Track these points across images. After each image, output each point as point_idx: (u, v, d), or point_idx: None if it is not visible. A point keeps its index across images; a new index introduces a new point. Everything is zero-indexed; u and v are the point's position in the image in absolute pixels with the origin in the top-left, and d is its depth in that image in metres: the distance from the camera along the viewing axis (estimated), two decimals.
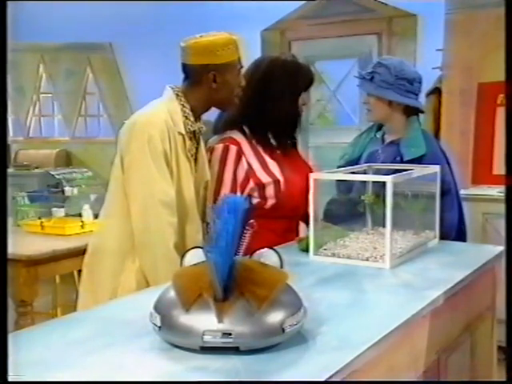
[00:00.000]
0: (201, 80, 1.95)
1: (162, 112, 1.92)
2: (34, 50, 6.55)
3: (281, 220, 2.16)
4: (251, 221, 1.21)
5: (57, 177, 3.45)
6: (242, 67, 2.01)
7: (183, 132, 1.94)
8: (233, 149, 2.13)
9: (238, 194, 2.10)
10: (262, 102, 2.15)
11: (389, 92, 2.32)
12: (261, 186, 2.13)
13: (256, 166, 2.14)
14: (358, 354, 1.15)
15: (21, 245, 2.79)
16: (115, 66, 6.33)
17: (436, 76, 4.25)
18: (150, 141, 1.85)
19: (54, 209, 3.32)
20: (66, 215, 3.32)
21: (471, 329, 1.90)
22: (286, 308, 1.16)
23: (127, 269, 1.89)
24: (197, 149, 2.04)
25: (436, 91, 4.22)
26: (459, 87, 4.13)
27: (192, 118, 1.98)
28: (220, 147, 2.14)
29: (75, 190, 3.38)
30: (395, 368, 1.38)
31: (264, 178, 2.13)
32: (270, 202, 2.13)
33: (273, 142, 2.20)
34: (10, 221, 3.08)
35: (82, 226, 3.19)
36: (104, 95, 6.52)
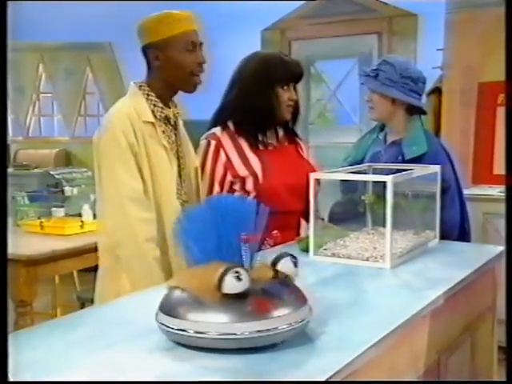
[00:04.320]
0: (149, 62, 1.97)
1: (123, 107, 1.94)
2: (33, 50, 6.55)
3: (274, 216, 2.17)
4: (275, 231, 1.22)
5: (56, 177, 3.45)
6: (196, 43, 1.95)
7: (152, 120, 1.94)
8: (212, 143, 2.21)
9: (217, 187, 2.19)
10: (238, 96, 2.22)
11: (392, 90, 2.32)
12: (240, 179, 2.18)
13: (235, 159, 2.20)
14: (358, 354, 1.15)
15: (20, 245, 2.79)
16: (115, 66, 6.33)
17: (436, 75, 4.26)
18: (113, 138, 1.86)
19: (54, 209, 3.32)
20: (66, 215, 3.32)
21: (471, 329, 1.90)
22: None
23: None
24: (176, 135, 2.03)
25: (436, 91, 4.22)
26: (459, 87, 4.13)
27: (161, 104, 1.98)
28: (203, 144, 2.23)
29: (75, 190, 3.38)
30: (395, 368, 1.38)
31: (241, 171, 2.19)
32: (252, 195, 2.17)
33: (258, 136, 2.24)
34: (9, 221, 3.08)
35: (82, 226, 3.19)
36: (104, 95, 6.52)
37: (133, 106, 1.93)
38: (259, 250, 1.22)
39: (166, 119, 1.99)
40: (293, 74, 2.25)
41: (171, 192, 1.96)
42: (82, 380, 1.05)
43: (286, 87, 2.23)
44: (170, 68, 1.94)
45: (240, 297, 1.13)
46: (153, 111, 1.95)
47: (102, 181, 1.90)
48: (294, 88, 2.28)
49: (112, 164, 1.87)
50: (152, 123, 1.94)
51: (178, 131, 2.05)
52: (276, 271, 1.20)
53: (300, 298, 1.22)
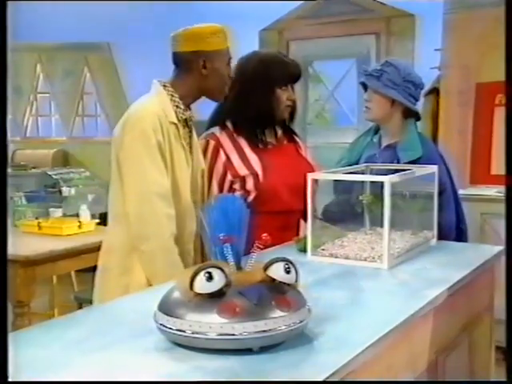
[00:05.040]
0: (191, 67, 2.00)
1: (152, 104, 1.96)
2: (31, 50, 6.54)
3: (274, 216, 2.17)
4: (264, 234, 1.22)
5: (54, 177, 3.46)
6: (231, 58, 2.06)
7: (175, 121, 1.98)
8: (211, 143, 2.22)
9: (216, 187, 2.19)
10: (237, 96, 2.22)
11: (394, 92, 2.33)
12: (240, 179, 2.19)
13: (235, 158, 2.21)
14: (355, 354, 1.15)
15: (18, 245, 2.79)
16: (113, 66, 6.32)
17: (434, 76, 4.26)
18: (143, 134, 1.88)
19: (52, 209, 3.32)
20: (64, 215, 3.33)
21: (469, 329, 1.90)
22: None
23: (135, 265, 1.92)
24: (190, 137, 2.07)
25: (434, 91, 4.23)
26: (457, 87, 4.14)
27: (182, 107, 2.01)
28: (201, 143, 2.23)
29: (72, 190, 3.38)
30: (393, 368, 1.38)
31: (242, 170, 2.19)
32: (252, 194, 2.18)
33: (257, 135, 2.25)
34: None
35: (80, 227, 3.20)
36: (101, 95, 6.52)
37: (160, 106, 1.96)
38: (249, 252, 1.23)
39: (185, 121, 2.03)
40: (292, 74, 2.27)
41: (188, 191, 2.01)
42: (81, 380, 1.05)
43: (284, 87, 2.24)
44: (214, 78, 2.01)
45: (213, 296, 1.13)
46: (175, 112, 1.99)
47: (127, 176, 1.91)
48: (292, 87, 2.29)
49: (141, 160, 1.88)
50: (176, 124, 1.98)
51: (192, 134, 2.09)
52: (266, 275, 1.19)
53: (299, 300, 1.21)
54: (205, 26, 1.99)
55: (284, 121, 2.34)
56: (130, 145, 1.89)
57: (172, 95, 2.00)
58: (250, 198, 2.17)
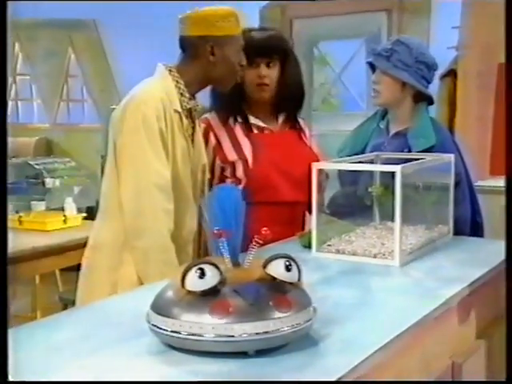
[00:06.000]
0: (198, 53, 1.99)
1: (156, 89, 1.95)
2: (8, 27, 6.52)
3: (274, 208, 2.19)
4: (264, 228, 1.22)
5: (36, 167, 3.46)
6: (243, 44, 2.05)
7: (179, 109, 1.98)
8: (201, 126, 2.23)
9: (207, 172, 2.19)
10: None
11: (405, 74, 2.31)
12: (230, 164, 2.22)
13: (225, 143, 2.25)
14: (364, 357, 1.16)
15: None
16: (100, 46, 6.30)
17: (451, 56, 4.25)
18: (145, 120, 1.88)
19: (34, 202, 3.33)
20: (47, 209, 3.34)
21: (488, 332, 1.91)
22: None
23: (126, 261, 1.92)
24: (193, 128, 2.07)
25: (451, 73, 4.21)
26: (477, 69, 4.12)
27: (187, 95, 2.01)
28: None
29: (57, 182, 3.39)
30: (405, 373, 1.39)
31: (231, 155, 2.23)
32: (243, 182, 2.20)
33: (254, 121, 2.28)
34: None
35: (65, 221, 3.21)
36: (88, 78, 6.50)
37: (164, 91, 1.95)
38: (247, 247, 1.24)
39: (189, 111, 2.03)
40: (256, 48, 2.20)
41: (189, 187, 2.02)
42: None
43: (254, 65, 2.22)
44: (222, 65, 2.00)
45: (206, 294, 1.14)
46: (179, 100, 1.99)
47: (125, 164, 1.90)
48: (283, 65, 2.26)
49: (141, 147, 1.88)
50: (179, 113, 1.98)
51: (195, 125, 2.09)
52: (266, 273, 1.20)
53: (301, 300, 1.22)
54: (215, 8, 1.98)
55: (287, 106, 2.34)
56: (130, 131, 1.89)
57: (177, 81, 2.00)
58: (241, 186, 2.18)
